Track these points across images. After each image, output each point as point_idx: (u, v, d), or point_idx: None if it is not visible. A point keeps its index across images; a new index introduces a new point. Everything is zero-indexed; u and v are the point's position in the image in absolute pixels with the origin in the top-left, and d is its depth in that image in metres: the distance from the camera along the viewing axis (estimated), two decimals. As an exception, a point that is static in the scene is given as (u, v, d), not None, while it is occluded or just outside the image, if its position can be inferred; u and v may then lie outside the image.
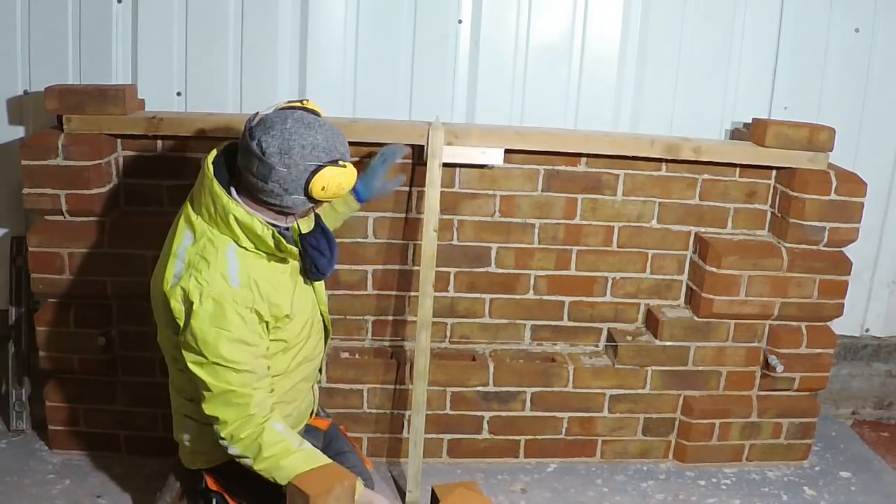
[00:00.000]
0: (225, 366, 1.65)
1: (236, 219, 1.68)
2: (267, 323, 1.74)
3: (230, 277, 1.67)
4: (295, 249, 1.75)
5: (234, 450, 1.69)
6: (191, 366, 1.67)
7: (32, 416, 2.76)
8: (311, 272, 1.87)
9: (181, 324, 1.69)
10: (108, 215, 2.49)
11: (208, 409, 1.68)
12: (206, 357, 1.65)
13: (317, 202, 1.74)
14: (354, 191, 2.22)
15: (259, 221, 1.69)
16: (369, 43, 2.67)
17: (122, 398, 2.59)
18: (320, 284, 2.01)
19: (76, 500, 2.44)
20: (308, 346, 1.92)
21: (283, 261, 1.79)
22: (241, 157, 1.70)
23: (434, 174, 2.45)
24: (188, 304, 1.66)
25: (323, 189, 1.68)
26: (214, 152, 1.77)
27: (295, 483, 1.57)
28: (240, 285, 1.68)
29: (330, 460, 1.74)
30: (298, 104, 1.76)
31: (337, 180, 1.68)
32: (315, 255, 1.85)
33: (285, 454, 1.68)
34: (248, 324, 1.68)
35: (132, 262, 2.42)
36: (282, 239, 1.71)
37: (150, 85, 2.61)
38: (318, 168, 1.66)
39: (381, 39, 2.67)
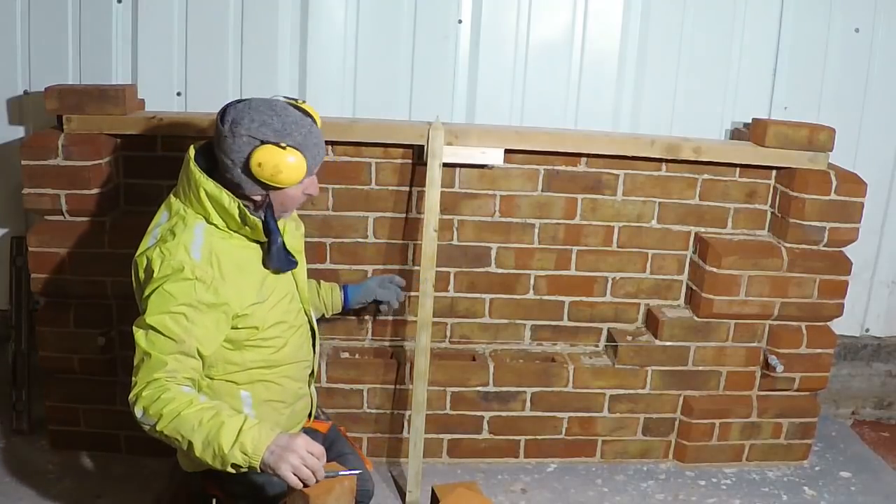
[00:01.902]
0: (156, 330, 1.66)
1: (206, 192, 1.71)
2: (222, 306, 1.72)
3: (192, 249, 1.70)
4: (259, 223, 1.75)
5: (138, 410, 1.65)
6: (134, 327, 1.70)
7: (32, 416, 2.76)
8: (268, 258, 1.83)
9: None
10: (108, 215, 2.49)
11: (133, 373, 1.68)
12: (144, 319, 1.67)
13: (262, 184, 1.71)
14: (345, 293, 2.33)
15: (227, 195, 1.71)
16: (369, 43, 2.67)
17: (122, 398, 2.58)
18: (303, 283, 2.01)
19: (76, 500, 2.44)
20: (290, 348, 1.91)
21: (255, 243, 1.80)
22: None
23: (434, 174, 2.45)
24: (149, 273, 1.69)
25: (259, 166, 1.66)
26: (201, 143, 1.81)
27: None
28: (201, 258, 1.70)
29: (243, 414, 1.68)
30: (293, 101, 1.77)
31: (274, 160, 1.66)
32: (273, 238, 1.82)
33: (187, 405, 1.62)
34: (197, 296, 1.68)
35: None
36: (247, 212, 1.72)
37: (150, 85, 2.62)
38: (261, 144, 1.66)
39: (381, 39, 2.68)
